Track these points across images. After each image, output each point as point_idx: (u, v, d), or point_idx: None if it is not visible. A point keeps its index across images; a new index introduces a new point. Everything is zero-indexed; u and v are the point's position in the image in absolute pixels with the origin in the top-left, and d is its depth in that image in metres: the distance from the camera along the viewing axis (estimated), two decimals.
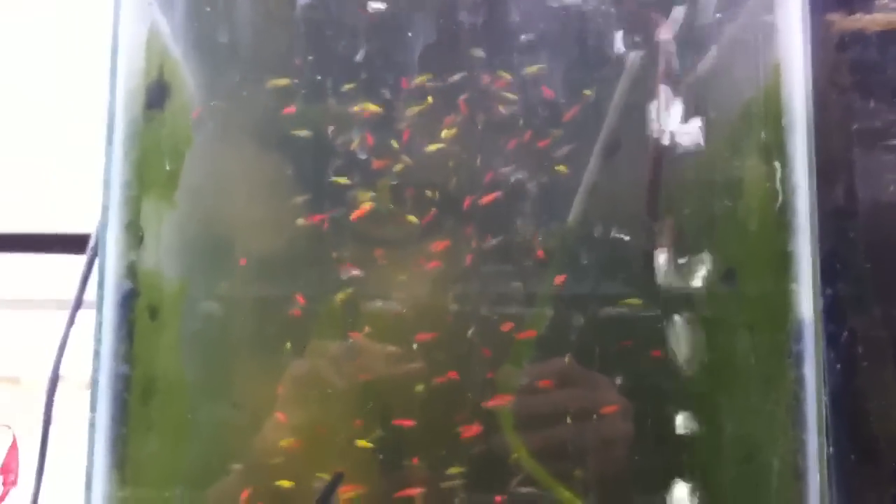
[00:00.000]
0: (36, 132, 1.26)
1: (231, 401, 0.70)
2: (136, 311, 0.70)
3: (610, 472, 0.68)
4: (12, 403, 1.36)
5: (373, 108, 0.71)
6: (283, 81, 0.71)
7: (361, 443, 0.67)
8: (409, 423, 0.67)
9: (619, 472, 0.68)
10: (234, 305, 0.71)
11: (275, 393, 0.69)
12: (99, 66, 0.73)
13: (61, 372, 0.80)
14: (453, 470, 0.67)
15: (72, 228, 1.07)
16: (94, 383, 0.68)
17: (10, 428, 1.06)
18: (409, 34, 0.72)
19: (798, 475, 0.66)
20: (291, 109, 0.71)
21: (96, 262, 0.73)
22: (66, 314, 0.79)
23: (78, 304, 0.78)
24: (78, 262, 0.79)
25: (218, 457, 0.69)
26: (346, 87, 0.71)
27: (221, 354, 0.71)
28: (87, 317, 0.76)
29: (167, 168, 0.71)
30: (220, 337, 0.71)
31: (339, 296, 0.69)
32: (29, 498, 0.78)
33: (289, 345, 0.69)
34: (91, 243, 0.77)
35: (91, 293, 0.73)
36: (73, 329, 0.79)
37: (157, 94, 0.71)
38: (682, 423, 0.67)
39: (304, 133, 0.71)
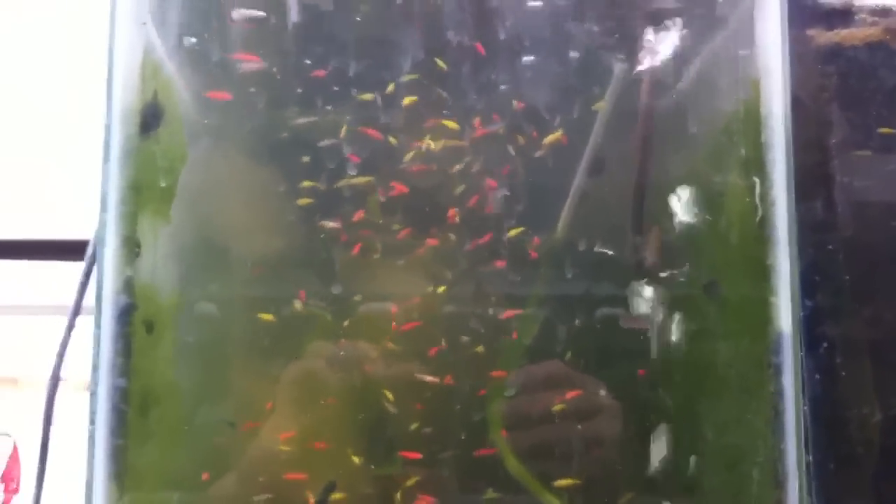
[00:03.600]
0: (34, 137, 1.27)
1: (226, 413, 0.71)
2: (133, 324, 0.71)
3: (597, 471, 0.70)
4: (10, 404, 1.38)
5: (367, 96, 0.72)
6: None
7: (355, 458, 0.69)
8: (415, 455, 0.70)
9: (606, 471, 0.70)
10: (229, 316, 0.72)
11: (271, 402, 0.71)
12: (97, 73, 0.74)
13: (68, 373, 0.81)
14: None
15: (70, 235, 1.07)
16: (92, 396, 0.70)
17: (10, 436, 1.07)
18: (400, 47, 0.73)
19: (777, 483, 0.68)
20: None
21: (93, 271, 0.74)
22: (62, 319, 0.80)
23: (76, 310, 0.79)
24: (76, 268, 0.80)
25: (215, 466, 0.71)
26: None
27: (217, 365, 0.72)
28: (84, 322, 0.78)
29: (162, 184, 0.72)
30: (216, 348, 0.72)
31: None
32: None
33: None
34: (89, 251, 0.78)
35: (89, 298, 0.75)
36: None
37: (151, 118, 0.72)
38: (664, 432, 0.69)
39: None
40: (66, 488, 0.79)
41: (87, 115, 0.81)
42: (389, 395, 0.70)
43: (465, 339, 0.71)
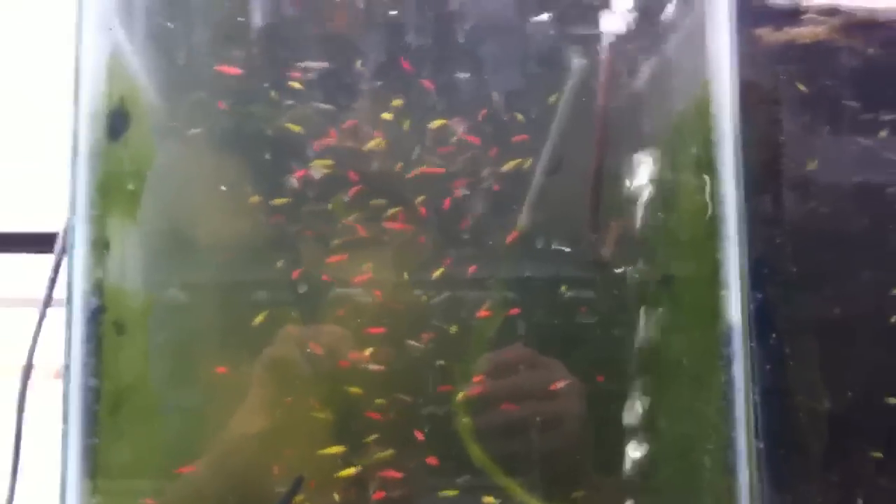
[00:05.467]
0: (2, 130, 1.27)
1: (195, 405, 0.73)
2: (104, 326, 0.72)
3: (562, 449, 0.72)
4: None
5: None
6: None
7: (332, 449, 0.71)
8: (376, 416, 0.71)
9: (569, 449, 0.72)
10: (198, 314, 0.74)
11: (240, 400, 0.73)
12: (67, 69, 0.75)
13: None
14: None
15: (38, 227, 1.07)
16: (64, 396, 0.71)
17: None
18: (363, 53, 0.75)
19: (728, 469, 0.71)
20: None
21: (62, 268, 0.76)
22: (30, 311, 0.82)
23: (47, 302, 0.80)
24: (45, 260, 0.81)
25: (187, 462, 0.72)
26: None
27: (187, 363, 0.74)
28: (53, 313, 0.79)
29: (130, 187, 0.74)
30: (186, 345, 0.74)
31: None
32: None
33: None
34: (58, 246, 0.79)
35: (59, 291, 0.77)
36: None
37: (118, 124, 0.73)
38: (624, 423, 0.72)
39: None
40: (39, 478, 0.81)
41: (57, 108, 0.82)
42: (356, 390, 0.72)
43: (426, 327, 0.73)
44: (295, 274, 0.73)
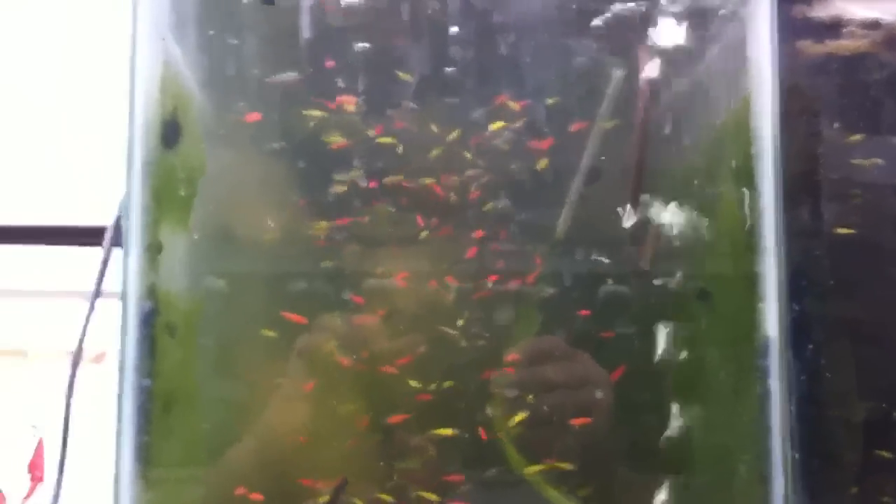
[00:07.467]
0: (57, 125, 1.30)
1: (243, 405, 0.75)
2: (156, 328, 0.75)
3: (590, 442, 0.73)
4: (21, 378, 1.42)
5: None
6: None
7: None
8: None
9: (598, 441, 0.74)
10: (246, 319, 0.76)
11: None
12: (118, 65, 0.77)
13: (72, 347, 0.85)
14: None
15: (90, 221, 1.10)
16: (118, 396, 0.74)
17: (35, 427, 1.11)
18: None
19: (763, 479, 0.72)
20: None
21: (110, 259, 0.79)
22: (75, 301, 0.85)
23: (96, 296, 0.83)
24: (95, 253, 0.84)
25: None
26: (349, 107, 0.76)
27: (234, 366, 0.76)
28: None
29: (182, 194, 0.76)
30: (233, 349, 0.76)
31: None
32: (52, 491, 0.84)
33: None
34: (106, 242, 0.82)
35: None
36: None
37: (171, 134, 0.76)
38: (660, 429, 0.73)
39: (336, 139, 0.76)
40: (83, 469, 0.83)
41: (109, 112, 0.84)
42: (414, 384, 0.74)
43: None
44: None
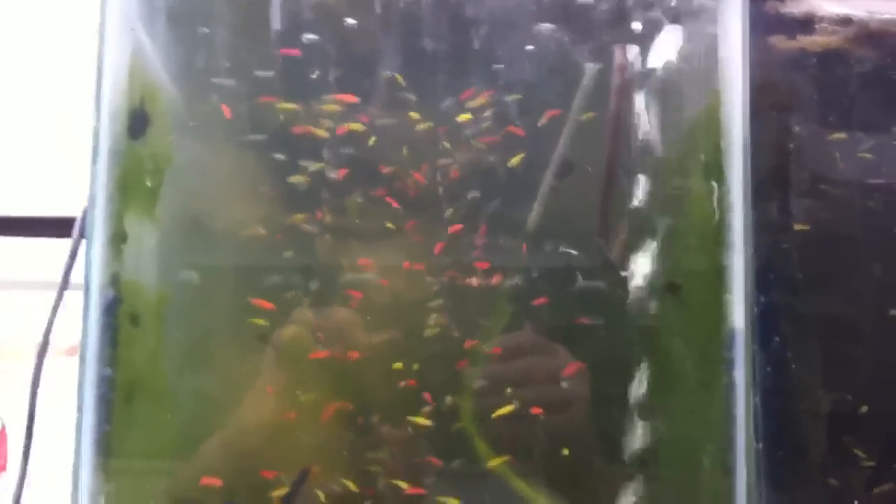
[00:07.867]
0: (26, 118, 1.30)
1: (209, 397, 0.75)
2: (119, 317, 0.74)
3: (563, 439, 0.73)
4: None
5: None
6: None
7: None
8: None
9: (575, 434, 0.73)
10: (212, 311, 0.76)
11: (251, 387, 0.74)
12: (87, 60, 0.77)
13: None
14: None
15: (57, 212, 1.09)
16: (79, 385, 0.73)
17: None
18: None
19: (727, 471, 0.71)
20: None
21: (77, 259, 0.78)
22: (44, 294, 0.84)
23: (63, 287, 0.83)
24: (63, 245, 0.84)
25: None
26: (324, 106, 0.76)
27: (200, 352, 0.76)
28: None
29: (148, 184, 0.75)
30: (200, 340, 0.76)
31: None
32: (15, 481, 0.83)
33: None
34: (75, 231, 0.82)
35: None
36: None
37: (138, 124, 0.75)
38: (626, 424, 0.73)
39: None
40: (51, 462, 0.82)
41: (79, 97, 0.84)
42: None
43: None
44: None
